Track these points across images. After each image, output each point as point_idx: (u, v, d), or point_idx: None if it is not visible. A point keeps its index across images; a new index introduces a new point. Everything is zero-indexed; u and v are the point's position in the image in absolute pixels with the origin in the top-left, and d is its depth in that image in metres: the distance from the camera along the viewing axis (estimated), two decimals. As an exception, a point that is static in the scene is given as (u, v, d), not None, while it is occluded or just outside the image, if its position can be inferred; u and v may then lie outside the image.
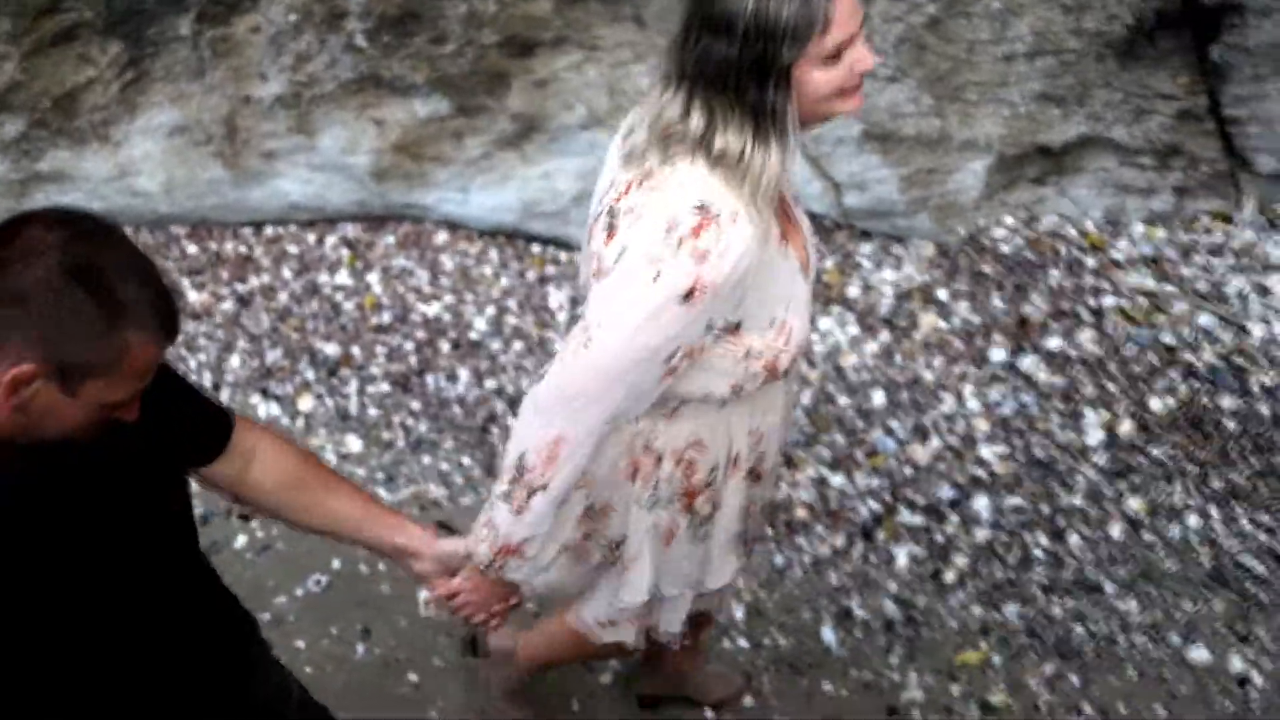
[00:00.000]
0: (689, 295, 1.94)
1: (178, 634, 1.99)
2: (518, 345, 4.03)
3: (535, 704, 3.22)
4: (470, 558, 2.24)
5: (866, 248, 4.08)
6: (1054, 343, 3.77)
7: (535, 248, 4.27)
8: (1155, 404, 3.67)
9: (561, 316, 4.08)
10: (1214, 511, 3.54)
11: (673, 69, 1.98)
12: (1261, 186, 4.00)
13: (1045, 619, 3.44)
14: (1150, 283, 3.86)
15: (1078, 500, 3.56)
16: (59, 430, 1.63)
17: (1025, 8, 3.81)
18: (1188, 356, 3.73)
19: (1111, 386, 3.71)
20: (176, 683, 2.02)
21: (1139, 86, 3.91)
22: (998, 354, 3.81)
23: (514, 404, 3.88)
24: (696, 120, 1.95)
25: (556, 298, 4.13)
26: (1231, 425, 3.63)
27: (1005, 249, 3.97)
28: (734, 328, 2.09)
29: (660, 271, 1.94)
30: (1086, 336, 3.77)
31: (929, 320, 3.92)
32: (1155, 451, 3.61)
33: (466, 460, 3.80)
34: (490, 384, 3.95)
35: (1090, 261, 3.92)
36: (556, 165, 4.14)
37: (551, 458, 2.09)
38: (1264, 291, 3.86)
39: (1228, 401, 3.65)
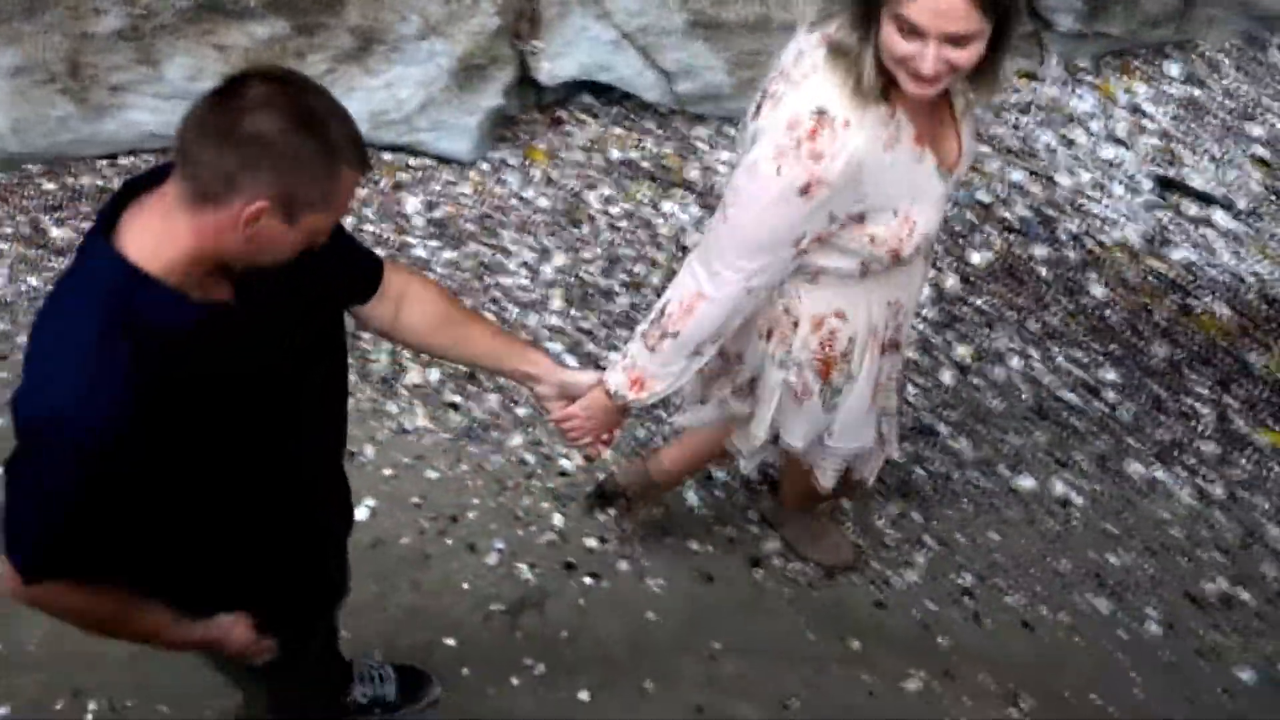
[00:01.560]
0: (805, 189, 2.24)
1: (328, 479, 2.37)
2: (378, 252, 4.19)
3: (834, 534, 3.62)
4: (598, 387, 2.55)
5: (701, 131, 4.30)
6: (880, 208, 4.05)
7: (387, 156, 4.42)
8: (975, 258, 3.98)
9: (418, 221, 4.25)
10: (1032, 352, 3.87)
11: None
12: (1062, 43, 4.28)
13: (887, 464, 3.75)
14: (965, 144, 4.14)
15: (911, 353, 3.86)
16: (272, 256, 1.88)
17: (832, -110, 4.02)
18: (1002, 211, 4.03)
19: (935, 244, 4.00)
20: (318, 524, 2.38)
21: (943, -42, 4.15)
22: (830, 223, 4.08)
23: (381, 309, 4.08)
24: (835, 14, 2.26)
25: (412, 203, 4.30)
26: (1044, 272, 3.95)
27: (830, 123, 4.22)
28: (858, 218, 2.34)
29: (781, 166, 2.23)
30: (909, 200, 4.05)
31: (765, 196, 4.16)
32: (977, 301, 3.92)
33: (340, 367, 4.00)
34: (356, 292, 4.13)
35: (909, 128, 4.18)
36: (399, 75, 4.27)
37: (688, 310, 2.44)
38: (1069, 143, 4.16)
39: (1039, 250, 3.97)
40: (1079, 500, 3.69)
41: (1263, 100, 4.21)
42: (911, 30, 2.10)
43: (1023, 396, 3.82)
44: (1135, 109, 4.23)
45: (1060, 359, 3.86)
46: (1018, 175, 4.07)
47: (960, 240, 4.01)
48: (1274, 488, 3.64)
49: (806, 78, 2.25)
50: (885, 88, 2.22)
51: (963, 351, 3.88)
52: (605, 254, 4.13)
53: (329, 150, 1.79)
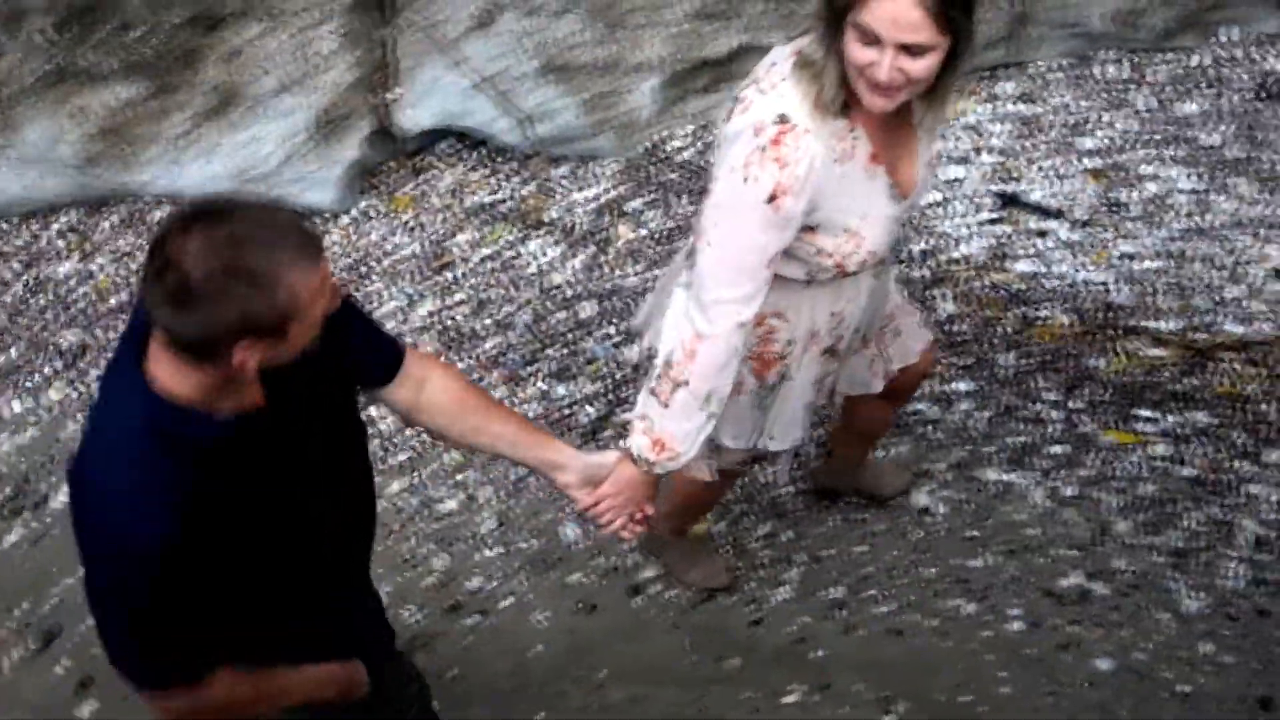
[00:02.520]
0: (772, 198, 2.36)
1: (359, 529, 2.45)
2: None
3: (708, 558, 3.75)
4: (624, 461, 2.58)
5: (560, 171, 4.41)
6: (737, 238, 4.20)
7: (253, 210, 4.46)
8: (829, 281, 4.13)
9: (288, 274, 4.31)
10: (889, 368, 4.03)
11: None
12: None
13: (757, 486, 3.90)
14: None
15: (772, 377, 4.01)
16: (291, 357, 1.97)
17: (673, -67, 4.16)
18: (852, 234, 4.19)
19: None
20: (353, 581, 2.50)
21: (785, -6, 4.32)
22: (689, 254, 4.22)
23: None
24: (807, 30, 2.40)
25: (280, 256, 4.36)
26: (895, 291, 4.12)
27: (684, 156, 4.36)
28: (809, 229, 2.48)
29: (748, 175, 2.36)
30: (764, 228, 4.20)
31: (624, 231, 4.30)
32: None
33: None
34: (229, 348, 4.18)
35: (760, 159, 4.34)
36: (260, 131, 4.33)
37: (691, 355, 2.49)
38: (913, 165, 4.34)
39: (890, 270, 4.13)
40: (940, 509, 3.86)
41: (1092, 114, 4.42)
42: (871, 38, 2.24)
43: (882, 412, 3.98)
44: (974, 129, 4.42)
45: (915, 374, 4.02)
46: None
47: (815, 264, 4.16)
48: (1120, 484, 3.84)
49: (774, 86, 2.40)
50: (846, 104, 2.37)
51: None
52: (473, 297, 4.22)
53: (268, 280, 1.84)
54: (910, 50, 2.24)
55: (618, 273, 4.23)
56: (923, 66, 2.27)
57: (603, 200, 4.36)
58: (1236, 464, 3.83)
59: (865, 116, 2.40)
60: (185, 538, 1.95)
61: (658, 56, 4.29)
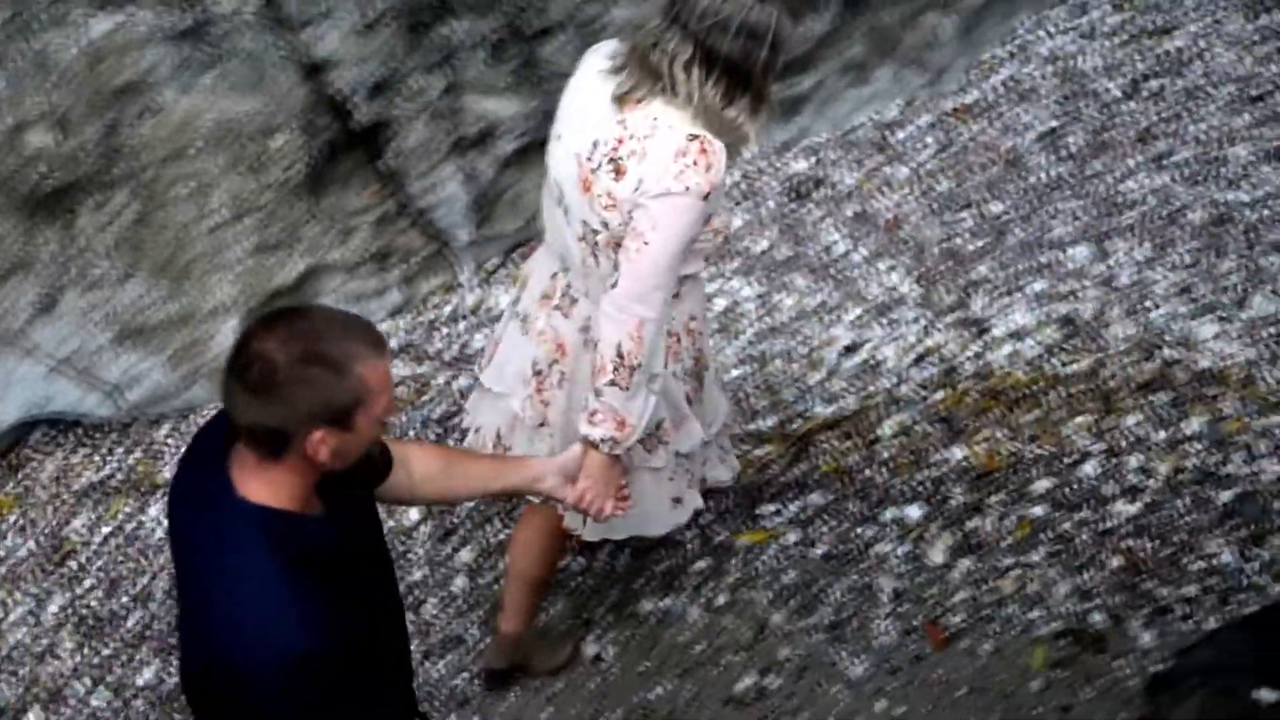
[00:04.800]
0: (707, 196, 2.79)
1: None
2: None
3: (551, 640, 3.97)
4: (585, 454, 2.90)
5: (163, 431, 4.39)
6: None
7: None
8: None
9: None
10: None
11: (693, 53, 2.76)
12: (468, 252, 4.67)
13: (431, 686, 3.94)
14: (410, 368, 4.44)
15: (419, 574, 4.09)
16: (357, 454, 2.20)
17: (217, 180, 4.25)
18: (459, 420, 4.33)
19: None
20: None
21: (336, 211, 4.46)
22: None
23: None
24: (716, 95, 2.80)
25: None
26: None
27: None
28: (711, 216, 2.89)
29: (689, 184, 2.76)
30: (376, 434, 4.29)
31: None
32: (466, 507, 4.20)
33: None
34: None
35: (355, 369, 4.44)
36: None
37: (639, 339, 2.83)
38: (501, 338, 4.53)
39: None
40: (610, 650, 3.99)
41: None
42: None
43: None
44: (549, 290, 4.65)
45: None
46: (465, 381, 4.40)
47: (434, 455, 4.27)
48: (765, 579, 4.07)
49: (657, 127, 2.80)
50: None
51: (467, 556, 4.13)
52: (104, 579, 4.14)
53: (337, 364, 2.06)
54: None
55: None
56: None
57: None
58: (859, 530, 4.12)
59: None
60: (342, 637, 2.11)
61: (230, 298, 4.35)
